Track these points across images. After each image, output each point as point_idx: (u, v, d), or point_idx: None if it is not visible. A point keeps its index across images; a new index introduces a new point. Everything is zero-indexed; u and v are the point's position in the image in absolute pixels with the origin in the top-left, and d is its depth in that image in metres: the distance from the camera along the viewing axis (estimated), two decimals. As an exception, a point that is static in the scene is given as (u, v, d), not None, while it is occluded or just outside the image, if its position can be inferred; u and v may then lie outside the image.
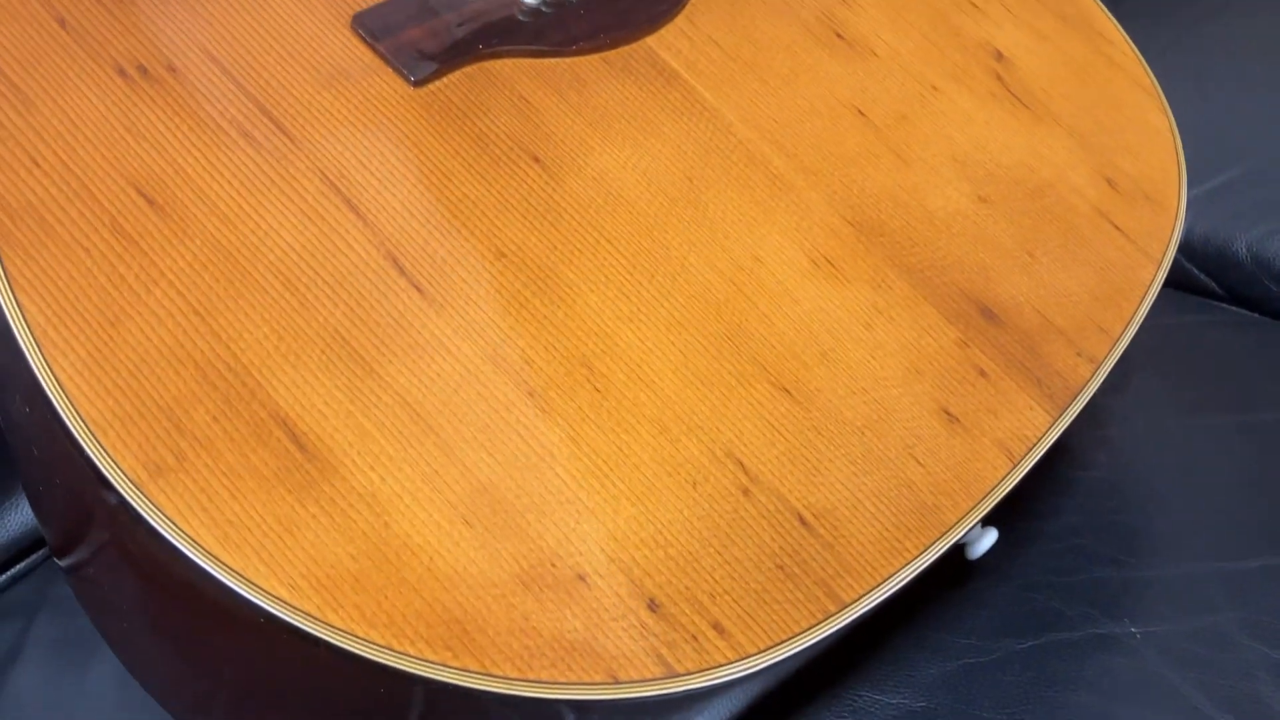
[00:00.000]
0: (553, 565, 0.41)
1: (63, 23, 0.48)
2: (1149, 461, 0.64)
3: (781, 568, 0.43)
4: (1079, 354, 0.53)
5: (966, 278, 0.54)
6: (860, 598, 0.44)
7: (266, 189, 0.46)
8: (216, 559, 0.38)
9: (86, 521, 0.45)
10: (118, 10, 0.49)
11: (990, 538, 0.54)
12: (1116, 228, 0.59)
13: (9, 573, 0.66)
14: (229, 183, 0.46)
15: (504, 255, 0.48)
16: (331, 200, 0.47)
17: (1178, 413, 0.66)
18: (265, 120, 0.48)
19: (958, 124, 0.59)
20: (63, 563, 0.51)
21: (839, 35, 0.61)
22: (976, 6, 0.65)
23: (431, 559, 0.40)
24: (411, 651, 0.38)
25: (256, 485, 0.40)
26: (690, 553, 0.42)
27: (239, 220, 0.45)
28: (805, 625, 0.43)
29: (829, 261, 0.52)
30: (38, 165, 0.44)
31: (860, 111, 0.58)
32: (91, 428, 0.39)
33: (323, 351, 0.43)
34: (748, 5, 0.60)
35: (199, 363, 0.42)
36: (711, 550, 0.43)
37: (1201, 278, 0.79)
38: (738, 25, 0.59)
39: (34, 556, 0.66)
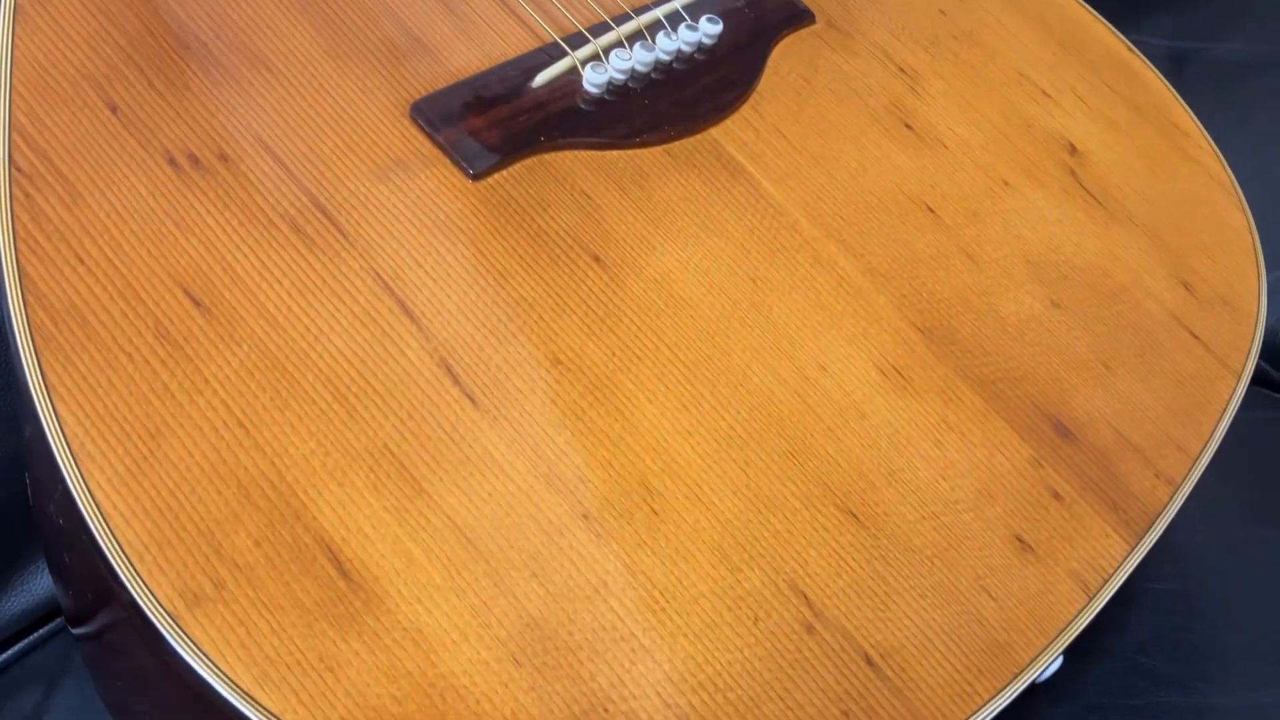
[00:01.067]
0: (605, 711, 0.38)
1: (114, 108, 0.46)
2: (1219, 573, 0.60)
3: (847, 714, 0.40)
4: (1156, 475, 0.50)
5: (1040, 390, 0.51)
6: (927, 744, 0.41)
7: (318, 290, 0.44)
8: (253, 699, 0.35)
9: (113, 627, 0.42)
10: (171, 95, 0.47)
11: (1056, 664, 0.51)
12: (1194, 336, 0.55)
13: (33, 636, 0.63)
14: (279, 283, 0.44)
15: (560, 362, 0.45)
16: (384, 302, 0.44)
17: (1250, 520, 0.62)
18: (319, 215, 0.46)
19: (1030, 222, 0.56)
20: (76, 631, 0.49)
21: (908, 125, 0.58)
22: (1048, 95, 0.62)
23: (479, 702, 0.37)
24: (455, 801, 0.36)
25: (298, 618, 0.37)
26: (752, 698, 0.39)
27: (288, 324, 0.43)
28: (869, 774, 0.40)
29: (898, 372, 0.49)
30: (82, 262, 0.42)
31: (930, 208, 0.55)
32: (128, 552, 0.37)
33: (370, 469, 0.40)
34: (814, 92, 0.57)
35: (242, 480, 0.39)
36: (774, 695, 0.40)
37: (1274, 374, 0.75)
38: (804, 114, 0.56)
39: (58, 621, 0.64)
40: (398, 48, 0.52)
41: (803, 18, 0.60)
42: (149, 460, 0.39)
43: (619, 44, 0.54)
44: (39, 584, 0.63)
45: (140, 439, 0.39)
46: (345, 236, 0.45)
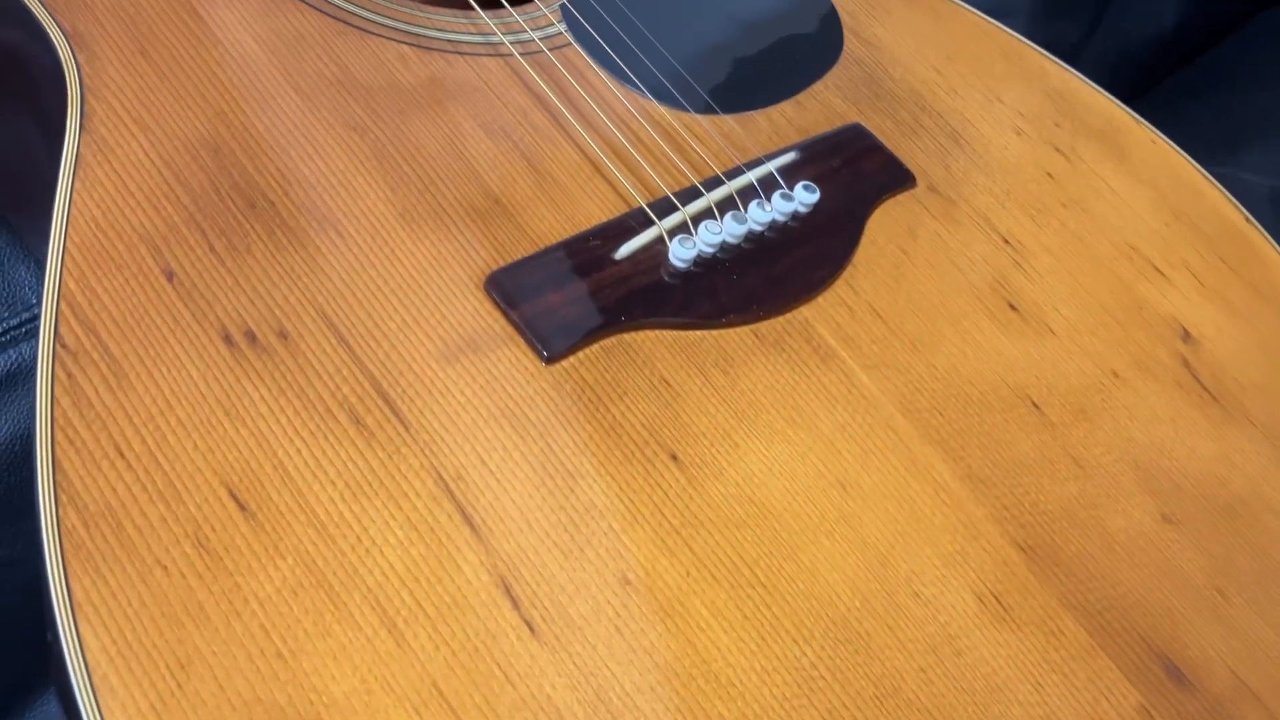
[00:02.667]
0: None
1: (170, 276, 0.42)
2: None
3: None
4: (1278, 728, 0.44)
5: (1150, 623, 0.45)
6: None
7: (374, 493, 0.40)
8: None
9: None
10: (232, 261, 0.43)
11: None
12: (1318, 558, 0.50)
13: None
14: (333, 484, 0.39)
15: (630, 583, 0.40)
16: (443, 508, 0.40)
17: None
18: (380, 402, 0.42)
19: (1141, 421, 0.51)
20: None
21: (1012, 306, 0.53)
22: (1162, 273, 0.57)
23: None
24: None
25: None
26: None
27: (339, 533, 0.38)
28: None
29: (997, 599, 0.44)
30: (123, 456, 0.38)
31: (1035, 404, 0.50)
32: (143, 810, 0.33)
33: (416, 712, 0.36)
34: (913, 266, 0.53)
35: (275, 723, 0.35)
36: None
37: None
38: (902, 291, 0.52)
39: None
40: (476, 209, 0.48)
41: (904, 180, 0.56)
42: (176, 696, 0.34)
43: (709, 212, 0.50)
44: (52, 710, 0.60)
45: (169, 669, 0.35)
46: (407, 429, 0.41)
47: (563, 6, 0.57)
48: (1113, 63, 1.04)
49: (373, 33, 0.52)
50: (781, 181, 0.52)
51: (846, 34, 0.61)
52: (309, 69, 0.50)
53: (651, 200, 0.50)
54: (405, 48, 0.52)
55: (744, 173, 0.52)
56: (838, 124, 0.57)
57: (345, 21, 0.52)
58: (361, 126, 0.48)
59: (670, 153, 0.52)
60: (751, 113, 0.56)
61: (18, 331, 0.62)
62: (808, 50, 0.60)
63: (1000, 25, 0.66)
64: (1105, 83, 1.05)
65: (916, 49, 0.62)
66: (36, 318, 0.66)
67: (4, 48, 0.50)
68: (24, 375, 0.61)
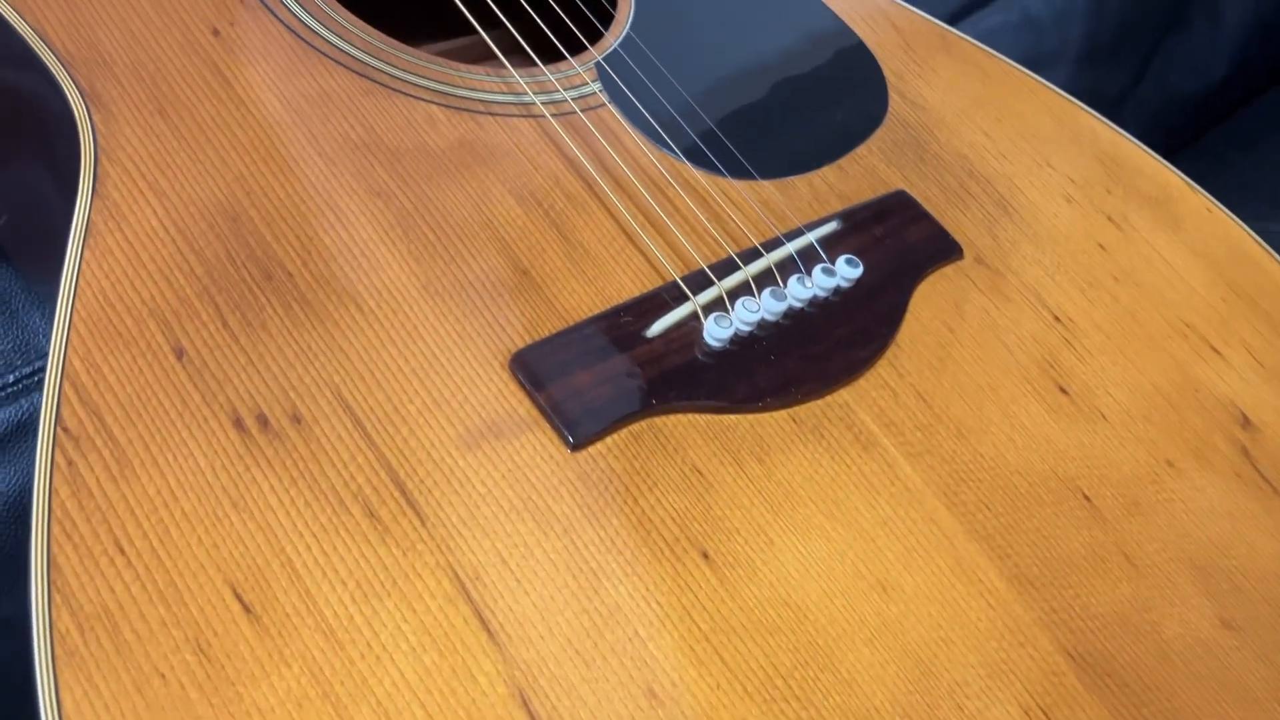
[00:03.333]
0: None
1: (180, 354, 0.40)
2: None
3: None
4: None
5: (1208, 741, 0.42)
6: None
7: (386, 594, 0.37)
8: None
9: None
10: (246, 337, 0.41)
11: None
12: (1385, 667, 0.47)
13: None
14: (343, 583, 0.37)
15: (655, 696, 0.37)
16: (459, 611, 0.37)
17: None
18: (396, 494, 0.39)
19: (1197, 516, 0.48)
20: None
21: (1062, 389, 0.50)
22: (1218, 352, 0.54)
23: None
24: None
25: None
26: None
27: (348, 639, 0.36)
28: None
29: (1044, 713, 0.41)
30: (123, 553, 0.36)
31: (1086, 496, 0.47)
32: None
33: (425, 841, 0.33)
34: (959, 345, 0.50)
35: None
36: None
37: None
38: (948, 372, 0.49)
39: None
40: (502, 281, 0.45)
41: (950, 252, 0.53)
42: (168, 821, 0.32)
43: (746, 286, 0.47)
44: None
45: (161, 791, 0.32)
46: (423, 523, 0.39)
47: (598, 65, 0.54)
48: (1157, 112, 1.00)
49: (402, 92, 0.49)
50: (823, 254, 0.49)
51: (892, 95, 0.58)
52: (334, 130, 0.47)
53: (686, 273, 0.47)
54: (435, 108, 0.50)
55: (783, 244, 0.49)
56: (882, 190, 0.54)
57: (373, 80, 0.49)
58: (386, 192, 0.46)
59: (706, 221, 0.49)
60: (792, 178, 0.53)
61: (29, 380, 0.60)
62: (851, 112, 0.57)
63: (1049, 84, 0.63)
64: (1150, 132, 1.02)
65: (963, 110, 0.59)
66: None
67: (18, 92, 0.48)
68: (36, 425, 0.59)
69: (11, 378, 0.59)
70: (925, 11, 0.94)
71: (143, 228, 0.42)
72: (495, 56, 0.53)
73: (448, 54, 0.67)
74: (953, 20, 0.92)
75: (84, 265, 0.40)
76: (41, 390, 0.58)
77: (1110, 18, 0.93)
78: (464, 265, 0.45)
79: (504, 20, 0.54)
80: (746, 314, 0.45)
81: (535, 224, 0.47)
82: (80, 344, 0.39)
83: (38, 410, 0.60)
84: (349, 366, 0.41)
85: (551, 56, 0.54)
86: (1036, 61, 0.95)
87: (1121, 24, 0.93)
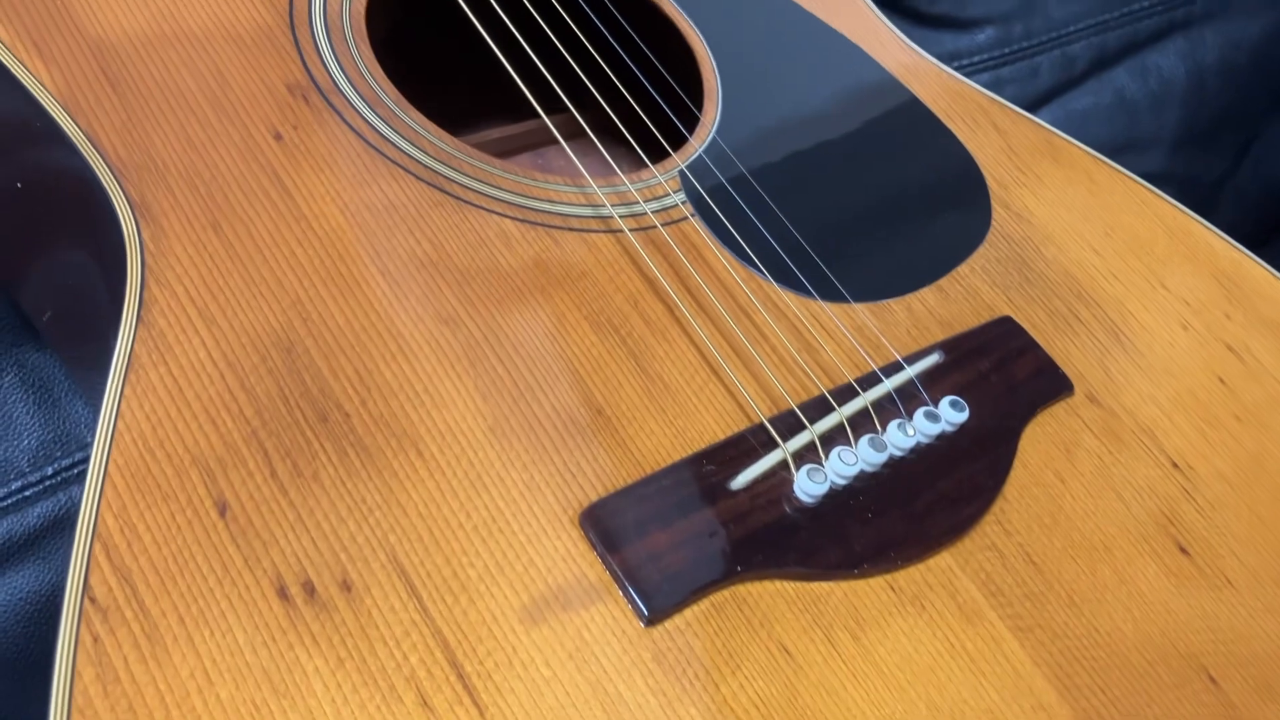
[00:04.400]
0: None
1: (223, 509, 0.36)
2: None
3: None
4: None
5: None
6: None
7: (437, 801, 0.33)
8: None
9: None
10: (295, 489, 0.37)
11: None
12: None
13: None
14: (390, 788, 0.33)
15: None
16: (520, 821, 0.33)
17: None
18: (452, 676, 0.34)
19: (1337, 702, 0.43)
20: None
21: (1182, 549, 0.45)
22: (1352, 504, 0.48)
23: None
24: None
25: None
26: None
27: None
28: None
29: None
30: (147, 750, 0.32)
31: (1211, 677, 0.42)
32: None
33: None
34: (1070, 497, 0.45)
35: None
36: None
37: None
38: (1058, 530, 0.44)
39: None
40: (575, 422, 0.41)
41: (1060, 389, 0.47)
42: None
43: (840, 430, 0.42)
44: None
45: None
46: (481, 713, 0.34)
47: (681, 173, 0.50)
48: (1256, 200, 0.95)
49: (474, 204, 0.45)
50: (924, 394, 0.45)
51: (995, 206, 0.54)
52: (400, 247, 0.43)
53: (775, 414, 0.42)
54: (508, 222, 0.45)
55: (881, 381, 0.44)
56: (985, 316, 0.49)
57: (444, 190, 0.45)
58: (454, 319, 0.42)
59: (796, 353, 0.45)
60: (888, 301, 0.48)
61: (69, 473, 0.56)
62: (952, 226, 0.52)
63: (1161, 194, 0.57)
64: (1247, 221, 0.95)
65: (1071, 223, 0.54)
66: (90, 458, 0.61)
67: (64, 192, 0.45)
68: (74, 520, 0.56)
69: (50, 469, 0.56)
70: (1014, 89, 0.89)
71: (190, 361, 0.38)
72: (575, 143, 0.49)
73: (518, 137, 0.63)
74: (1043, 101, 0.87)
75: (124, 405, 0.36)
76: (82, 483, 0.55)
77: (1210, 102, 0.88)
78: (534, 403, 0.41)
79: (574, 113, 0.50)
80: (843, 467, 0.41)
81: (612, 354, 0.43)
82: (115, 498, 0.35)
83: (76, 505, 0.56)
84: (406, 524, 0.37)
85: (644, 151, 0.50)
86: (1129, 145, 0.90)
87: (1222, 108, 0.88)
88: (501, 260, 0.44)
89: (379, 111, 0.47)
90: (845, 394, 0.44)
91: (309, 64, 0.47)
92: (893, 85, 0.56)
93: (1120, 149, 0.90)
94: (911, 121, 0.55)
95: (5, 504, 0.56)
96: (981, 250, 0.51)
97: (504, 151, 0.64)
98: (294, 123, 0.45)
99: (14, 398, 0.57)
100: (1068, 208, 0.55)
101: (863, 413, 0.43)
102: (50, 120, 0.42)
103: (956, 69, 0.87)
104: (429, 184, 0.45)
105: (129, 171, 0.42)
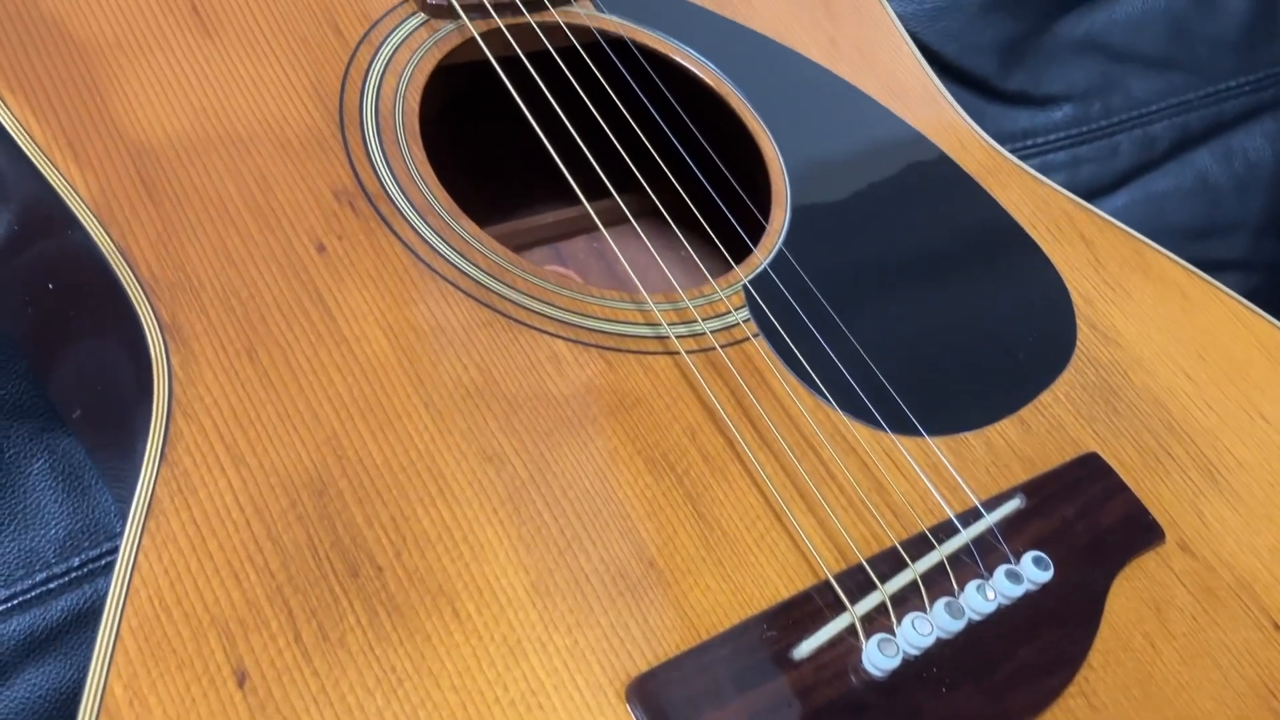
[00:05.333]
0: None
1: (242, 679, 0.32)
2: None
3: None
4: None
5: None
6: None
7: None
8: None
9: None
10: (320, 659, 0.33)
11: None
12: None
13: None
14: None
15: None
16: None
17: None
18: None
19: None
20: None
21: (1288, 726, 0.41)
22: None
23: None
24: None
25: None
26: None
27: None
28: None
29: None
30: None
31: None
32: None
33: None
34: (1162, 665, 0.40)
35: None
36: None
37: None
38: (1149, 704, 0.39)
39: None
40: (625, 577, 0.37)
41: (1151, 538, 0.43)
42: None
43: (914, 588, 0.38)
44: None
45: None
46: None
47: (745, 288, 0.46)
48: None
49: (525, 323, 0.42)
50: (1005, 546, 0.41)
51: (1080, 325, 0.49)
52: (445, 374, 0.40)
53: (842, 570, 0.39)
54: (560, 343, 0.42)
55: (958, 532, 0.40)
56: (1070, 452, 0.45)
57: (494, 308, 0.42)
58: (499, 456, 0.39)
59: (865, 496, 0.41)
60: (965, 435, 0.44)
61: (96, 564, 0.54)
62: (1035, 347, 0.48)
63: (1258, 310, 0.53)
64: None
65: (1162, 345, 0.50)
66: (119, 549, 0.59)
67: (90, 301, 0.42)
68: (99, 615, 0.53)
69: (77, 560, 0.53)
70: (1091, 169, 0.85)
71: (215, 506, 0.35)
72: (633, 244, 0.45)
73: (576, 220, 0.60)
74: (1121, 182, 0.82)
75: (141, 557, 0.33)
76: (108, 576, 0.52)
77: (1298, 187, 0.83)
78: (581, 554, 0.37)
79: (635, 224, 0.47)
80: (916, 637, 0.37)
81: (667, 496, 0.39)
82: (126, 664, 0.32)
83: (102, 598, 0.54)
84: (438, 697, 0.33)
85: (704, 263, 0.47)
86: (1211, 230, 0.85)
87: (1311, 194, 0.83)
88: (552, 386, 0.41)
89: (429, 220, 0.44)
90: (919, 546, 0.40)
91: (357, 167, 0.44)
92: (972, 190, 0.53)
93: (1201, 234, 0.85)
94: (992, 231, 0.51)
95: (29, 596, 0.53)
96: (1066, 375, 0.47)
97: (560, 235, 0.61)
98: (339, 232, 0.42)
99: (43, 485, 0.55)
100: (1158, 327, 0.50)
101: (938, 569, 0.39)
102: (82, 229, 0.39)
103: (1032, 147, 0.83)
104: (479, 301, 0.42)
105: (161, 289, 0.39)
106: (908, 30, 0.80)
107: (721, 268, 0.47)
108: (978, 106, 0.81)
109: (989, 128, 0.82)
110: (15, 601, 0.53)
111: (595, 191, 0.47)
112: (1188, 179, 0.83)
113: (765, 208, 0.50)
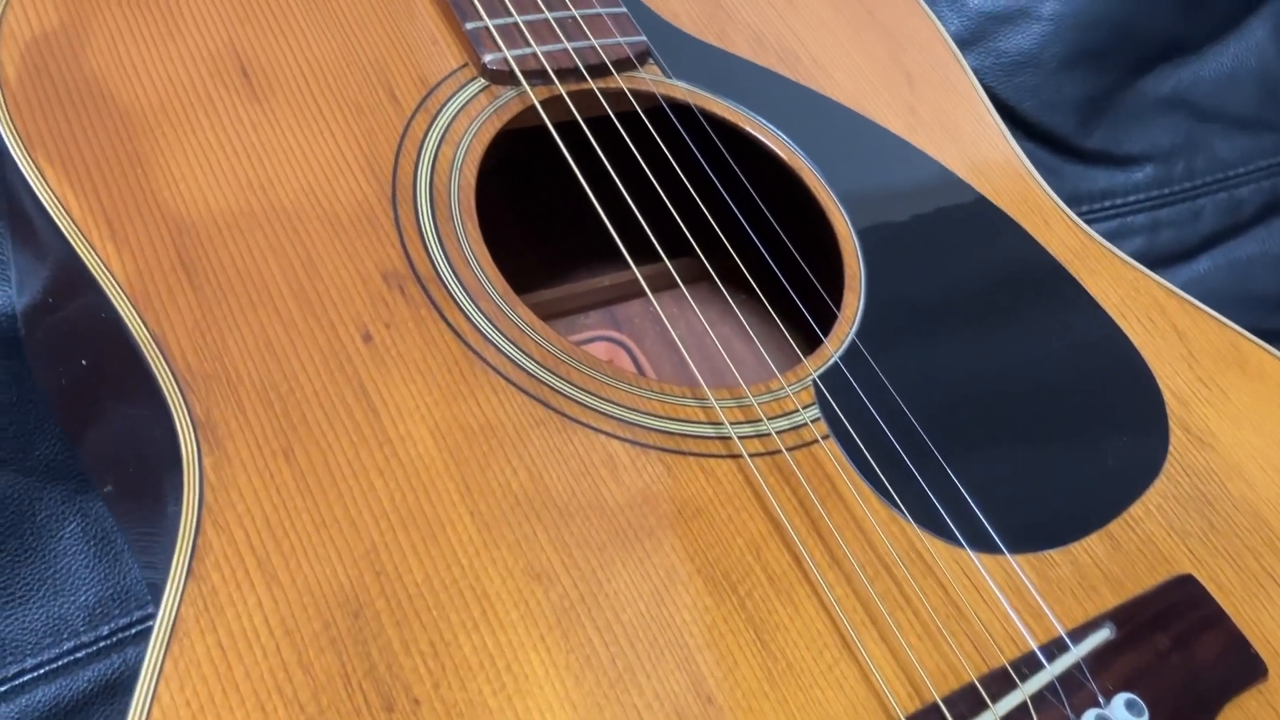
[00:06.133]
0: None
1: (264, 829, 0.30)
2: None
3: None
4: None
5: None
6: None
7: None
8: None
9: None
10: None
11: None
12: None
13: None
14: None
15: None
16: None
17: None
18: None
19: None
20: None
21: None
22: None
23: None
24: None
25: None
26: None
27: None
28: None
29: None
30: None
31: None
32: None
33: None
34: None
35: None
36: None
37: None
38: None
39: None
40: (682, 714, 0.34)
41: (1252, 674, 0.39)
42: None
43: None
44: None
45: None
46: None
47: (815, 383, 0.43)
48: None
49: (579, 421, 0.39)
50: (1093, 684, 0.37)
51: (1173, 427, 0.46)
52: (493, 480, 0.37)
53: (916, 711, 0.35)
54: (616, 444, 0.39)
55: (1043, 667, 0.37)
56: (1163, 573, 0.41)
57: (547, 404, 0.39)
58: (548, 573, 0.36)
59: (942, 623, 0.37)
60: (1050, 552, 0.41)
61: (125, 633, 0.51)
62: (1124, 453, 0.44)
63: (1365, 410, 0.49)
64: None
65: (1262, 451, 0.46)
66: (151, 616, 0.56)
67: (129, 385, 0.40)
68: (131, 685, 0.51)
69: (106, 629, 0.51)
70: (1172, 233, 0.81)
71: (243, 627, 0.32)
72: (684, 323, 0.42)
73: (627, 285, 0.57)
74: (1204, 247, 0.78)
75: (161, 687, 0.31)
76: (141, 644, 0.50)
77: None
78: (634, 688, 0.34)
79: (694, 306, 0.44)
80: (997, 795, 0.34)
81: (728, 621, 0.36)
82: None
83: (131, 668, 0.51)
84: None
85: (767, 350, 0.43)
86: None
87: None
88: (606, 494, 0.38)
89: (481, 304, 0.41)
90: (1000, 683, 0.36)
91: (409, 247, 0.41)
92: (1059, 275, 0.49)
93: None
94: (1079, 323, 0.48)
95: (56, 665, 0.51)
96: (1158, 485, 0.44)
97: (616, 298, 0.58)
98: (387, 320, 0.39)
99: (74, 549, 0.53)
100: (1257, 430, 0.47)
101: (1020, 710, 0.36)
102: (115, 313, 0.37)
103: (1110, 209, 0.79)
104: (532, 396, 0.39)
105: (197, 382, 0.36)
106: (983, 84, 0.76)
107: (786, 342, 0.44)
108: (1054, 165, 0.77)
109: (1066, 187, 0.78)
110: (42, 671, 0.51)
111: (652, 256, 0.44)
112: (1275, 245, 0.79)
113: (834, 287, 0.47)
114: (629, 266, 0.50)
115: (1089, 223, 0.78)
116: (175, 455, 0.35)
